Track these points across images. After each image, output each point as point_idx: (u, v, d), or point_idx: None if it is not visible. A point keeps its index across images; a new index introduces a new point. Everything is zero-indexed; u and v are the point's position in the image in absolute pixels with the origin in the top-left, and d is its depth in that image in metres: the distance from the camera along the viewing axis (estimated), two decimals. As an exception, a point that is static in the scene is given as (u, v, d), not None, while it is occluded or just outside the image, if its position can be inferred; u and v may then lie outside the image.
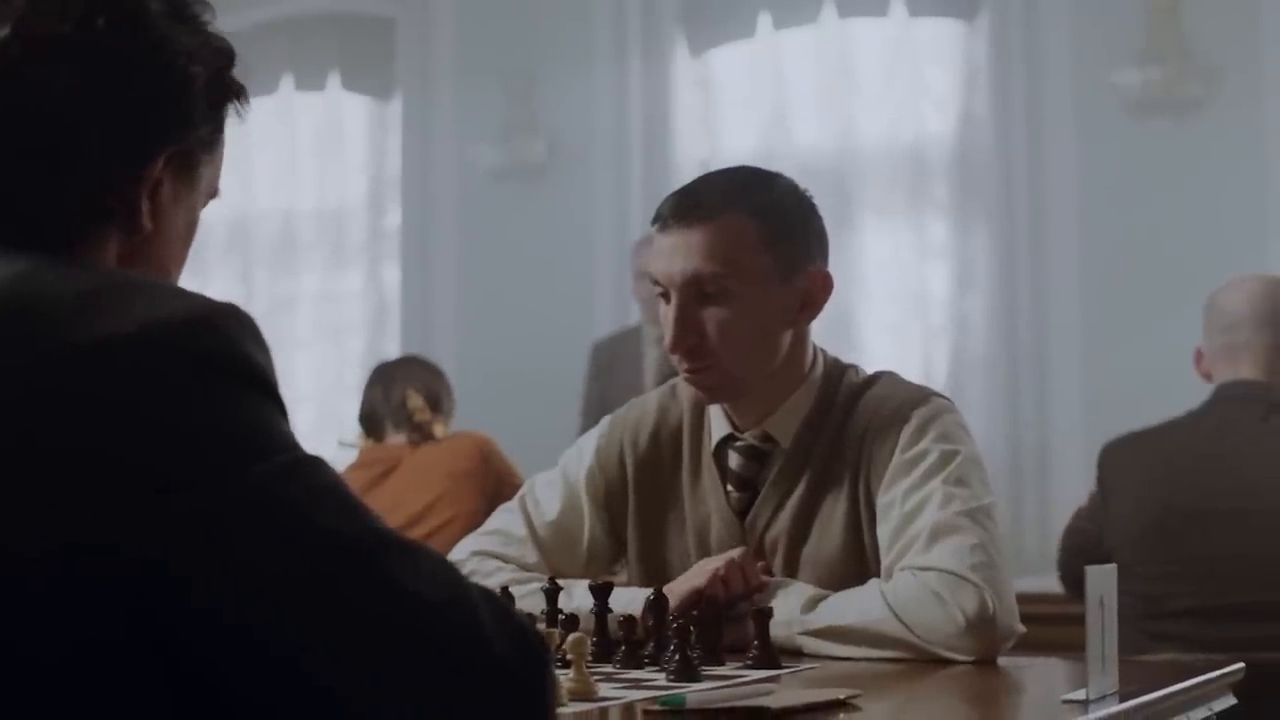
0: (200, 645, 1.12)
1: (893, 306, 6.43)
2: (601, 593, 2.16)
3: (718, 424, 2.41)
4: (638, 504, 2.45)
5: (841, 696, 1.74)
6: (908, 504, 2.22)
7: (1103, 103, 6.03)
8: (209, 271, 7.49)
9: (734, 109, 6.74)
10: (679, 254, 2.30)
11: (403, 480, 4.16)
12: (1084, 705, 1.72)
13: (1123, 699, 1.77)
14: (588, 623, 2.12)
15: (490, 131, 7.03)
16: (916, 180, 6.37)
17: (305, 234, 7.51)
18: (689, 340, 2.30)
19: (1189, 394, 4.91)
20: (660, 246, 2.33)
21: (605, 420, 2.54)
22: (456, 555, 2.45)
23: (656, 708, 1.68)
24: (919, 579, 2.16)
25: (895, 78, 6.45)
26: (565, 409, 6.55)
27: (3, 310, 1.16)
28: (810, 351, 2.40)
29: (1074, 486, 5.49)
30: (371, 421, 4.39)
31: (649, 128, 6.88)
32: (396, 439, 4.33)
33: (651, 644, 2.11)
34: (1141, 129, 5.99)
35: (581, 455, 2.51)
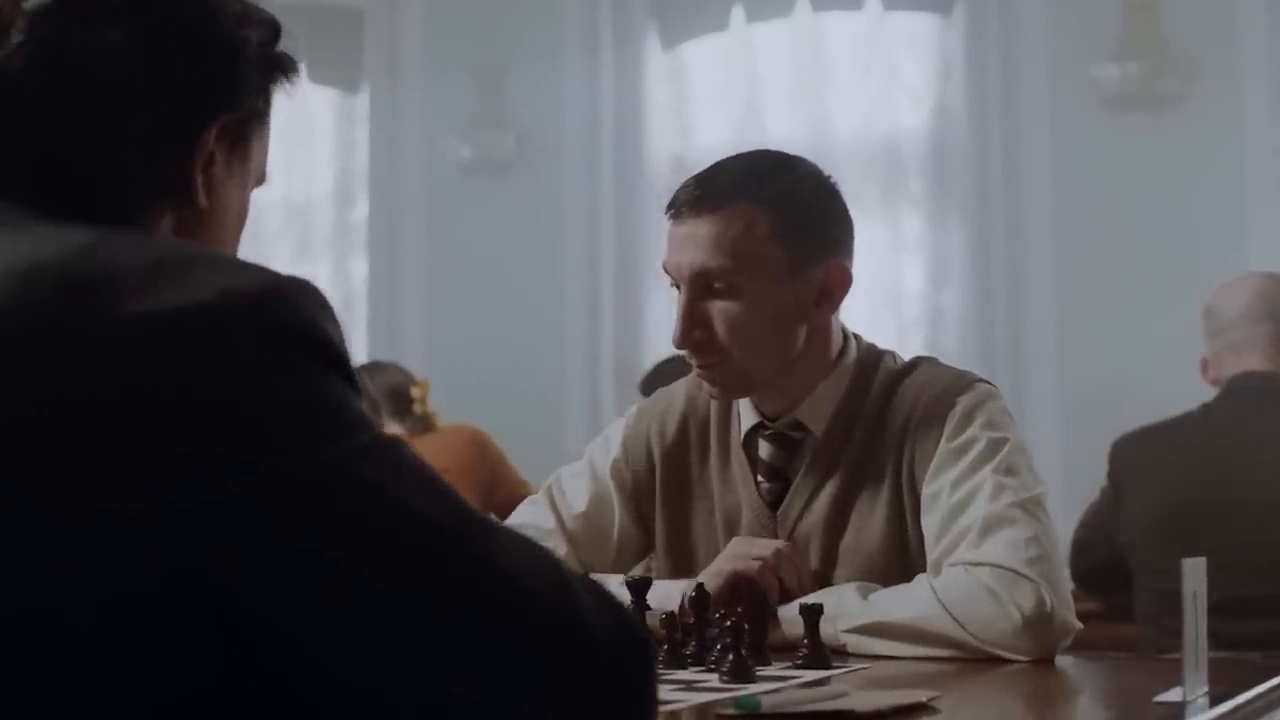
0: (275, 624, 1.02)
1: (866, 301, 6.27)
2: (639, 589, 2.00)
3: (747, 412, 2.27)
4: (664, 494, 2.31)
5: (924, 699, 1.59)
6: (956, 495, 2.08)
7: (1079, 98, 5.91)
8: (174, 264, 7.32)
9: (707, 103, 6.60)
10: (688, 246, 2.16)
11: None
12: (1181, 707, 1.58)
13: (1213, 701, 1.64)
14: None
15: (459, 125, 6.88)
16: (891, 174, 6.24)
17: (271, 226, 7.30)
18: (695, 336, 2.16)
19: (1165, 390, 4.81)
20: (671, 236, 2.20)
21: (633, 409, 2.41)
22: None
23: (731, 712, 1.52)
24: (972, 575, 2.02)
25: (869, 71, 6.32)
26: (534, 403, 6.42)
27: (67, 283, 1.05)
28: (838, 338, 2.26)
29: (1050, 480, 5.34)
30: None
31: (620, 122, 6.73)
32: (389, 431, 4.08)
33: (693, 642, 1.96)
34: (1119, 124, 5.88)
35: (609, 445, 2.37)
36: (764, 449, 2.25)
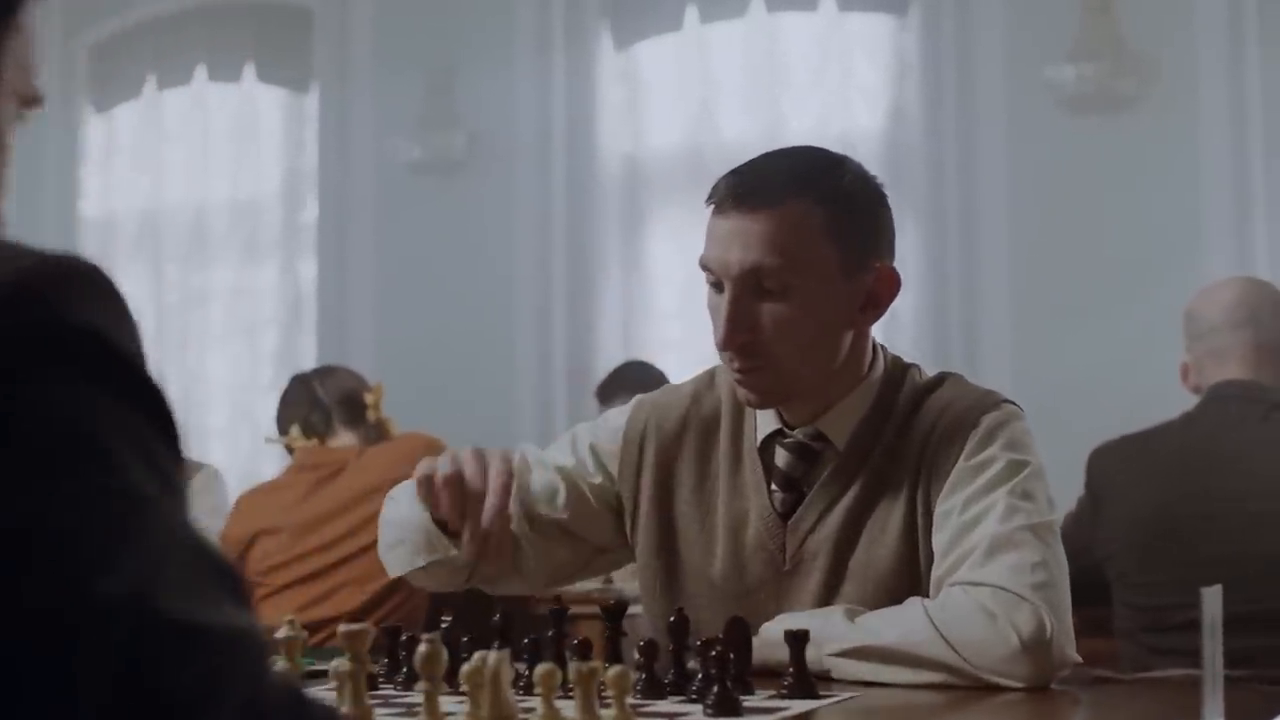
0: None
1: (820, 303, 6.18)
2: (614, 614, 1.87)
3: (764, 417, 2.13)
4: (654, 492, 2.17)
5: (929, 739, 1.46)
6: (966, 513, 1.96)
7: (1035, 99, 5.82)
8: (120, 265, 7.18)
9: (660, 103, 6.48)
10: (737, 242, 2.01)
11: (349, 484, 3.65)
12: (1203, 743, 1.45)
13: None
14: (598, 647, 1.83)
15: (409, 124, 6.76)
16: (846, 176, 6.12)
17: (218, 228, 7.20)
18: (741, 338, 2.02)
19: (1123, 391, 4.71)
20: (715, 231, 2.04)
21: (636, 398, 2.27)
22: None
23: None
24: (970, 595, 1.89)
25: (824, 72, 6.22)
26: (485, 407, 6.30)
27: None
28: (870, 349, 2.13)
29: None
30: (309, 423, 3.88)
31: (572, 122, 6.61)
32: (342, 439, 3.83)
33: (672, 671, 1.83)
34: (1075, 126, 5.79)
35: (596, 430, 2.23)
36: (781, 457, 2.12)
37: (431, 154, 6.75)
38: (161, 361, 7.19)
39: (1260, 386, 2.97)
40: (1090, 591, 2.99)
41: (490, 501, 1.93)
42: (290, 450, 3.88)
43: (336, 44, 7.00)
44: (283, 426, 3.92)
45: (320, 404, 3.80)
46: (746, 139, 6.17)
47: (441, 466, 1.96)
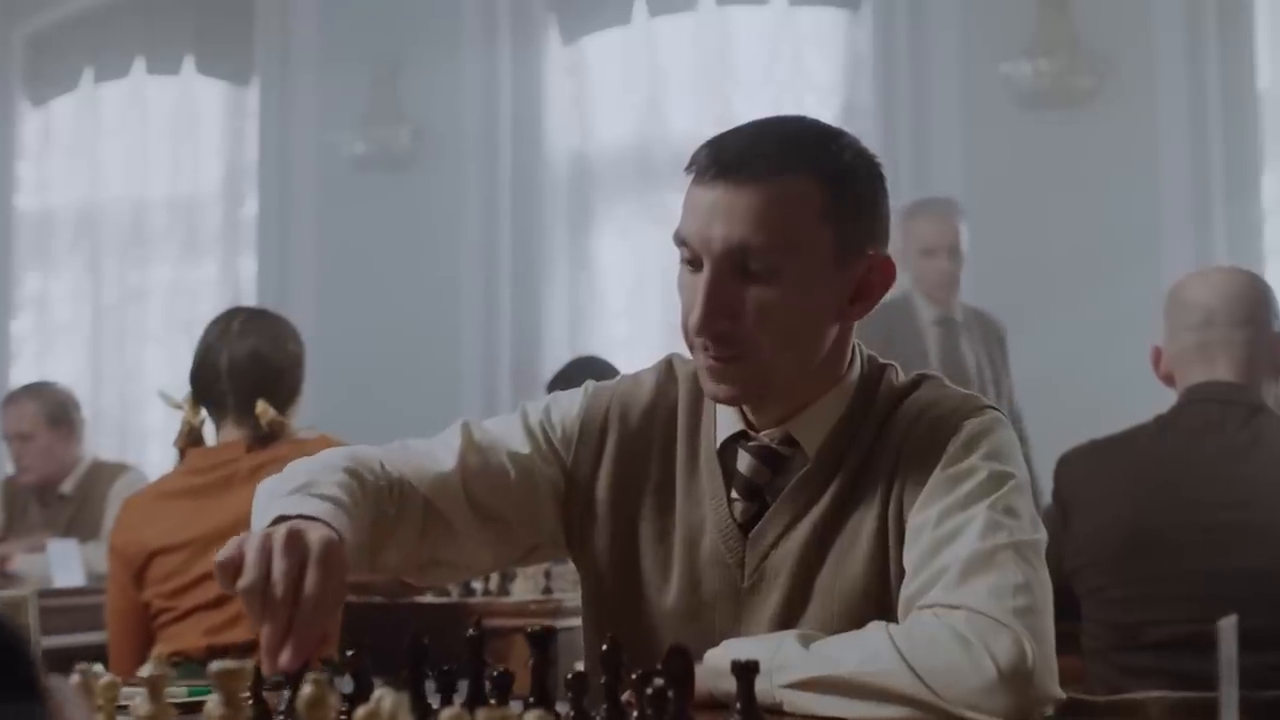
0: None
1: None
2: (541, 641, 1.62)
3: (726, 417, 1.88)
4: (611, 493, 1.92)
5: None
6: (942, 528, 1.71)
7: (991, 94, 5.67)
8: (56, 261, 6.96)
9: (608, 97, 6.33)
10: (720, 215, 1.75)
11: (248, 494, 3.07)
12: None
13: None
14: (521, 677, 1.59)
15: (353, 118, 6.59)
16: (797, 172, 5.94)
17: (157, 223, 7.03)
18: (719, 324, 1.76)
19: (1078, 390, 4.50)
20: (696, 202, 1.77)
21: (590, 383, 2.00)
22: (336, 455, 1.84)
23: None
24: (942, 619, 1.65)
25: (775, 67, 6.07)
26: (429, 407, 6.07)
27: None
28: (850, 348, 1.89)
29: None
30: (206, 398, 3.19)
31: (519, 116, 6.44)
32: (227, 433, 3.25)
33: (605, 705, 1.59)
34: (1031, 121, 5.65)
35: (549, 413, 1.97)
36: (744, 462, 1.87)
37: (375, 149, 6.60)
38: (98, 359, 6.97)
39: (1241, 388, 2.72)
40: (1058, 608, 2.75)
41: (300, 624, 1.56)
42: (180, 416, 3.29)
43: (279, 36, 6.83)
44: (191, 374, 3.31)
45: (221, 380, 3.23)
46: (696, 133, 5.90)
47: (249, 561, 1.59)
